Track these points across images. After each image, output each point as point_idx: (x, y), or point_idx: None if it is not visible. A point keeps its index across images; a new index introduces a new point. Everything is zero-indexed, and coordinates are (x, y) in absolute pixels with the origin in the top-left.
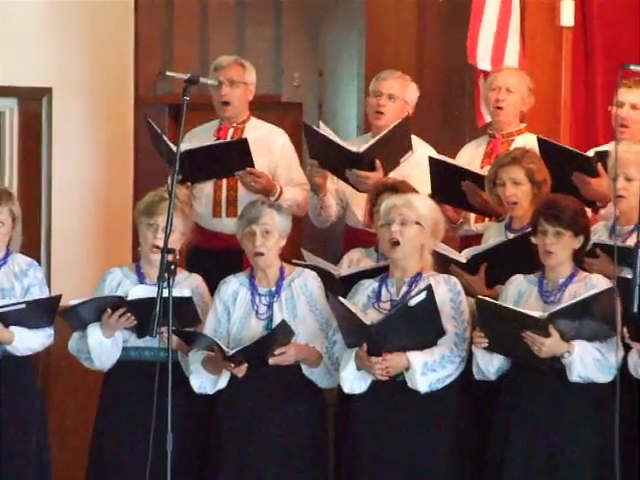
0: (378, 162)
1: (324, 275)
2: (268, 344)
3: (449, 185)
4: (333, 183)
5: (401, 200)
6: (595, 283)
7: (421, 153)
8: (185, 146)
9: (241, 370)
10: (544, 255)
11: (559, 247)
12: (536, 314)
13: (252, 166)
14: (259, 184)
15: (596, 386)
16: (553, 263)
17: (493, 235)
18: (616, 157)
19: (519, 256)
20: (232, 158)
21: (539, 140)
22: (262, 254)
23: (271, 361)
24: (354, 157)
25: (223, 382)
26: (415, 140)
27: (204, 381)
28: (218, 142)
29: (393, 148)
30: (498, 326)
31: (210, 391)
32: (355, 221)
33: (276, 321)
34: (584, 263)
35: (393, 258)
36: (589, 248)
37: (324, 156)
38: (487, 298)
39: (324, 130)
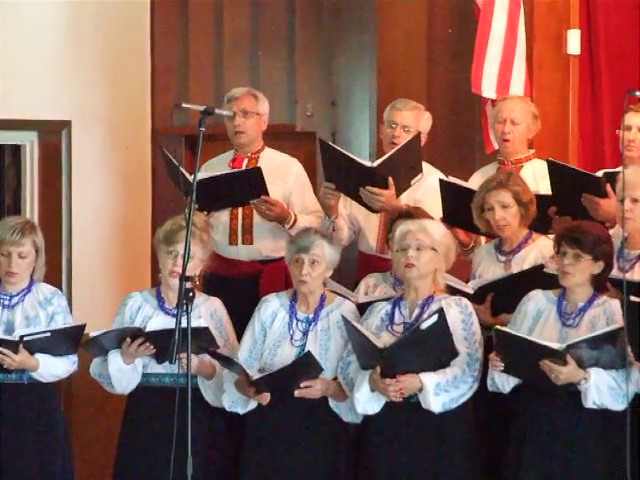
0: (390, 180)
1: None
2: (291, 374)
3: (460, 208)
4: (346, 208)
5: (416, 226)
6: (614, 310)
7: (433, 179)
8: (201, 175)
9: (264, 399)
10: (561, 276)
11: (576, 269)
12: (554, 345)
13: (266, 194)
14: (273, 212)
15: (609, 411)
16: (569, 284)
17: (484, 257)
18: (624, 179)
19: (525, 287)
20: (247, 187)
21: (549, 162)
22: (305, 282)
23: (296, 393)
24: (367, 172)
25: (254, 403)
26: (427, 167)
27: (236, 400)
28: (233, 171)
29: (404, 167)
30: (515, 354)
31: (241, 411)
32: (368, 247)
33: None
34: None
35: (407, 278)
36: None
37: (338, 175)
38: (505, 329)
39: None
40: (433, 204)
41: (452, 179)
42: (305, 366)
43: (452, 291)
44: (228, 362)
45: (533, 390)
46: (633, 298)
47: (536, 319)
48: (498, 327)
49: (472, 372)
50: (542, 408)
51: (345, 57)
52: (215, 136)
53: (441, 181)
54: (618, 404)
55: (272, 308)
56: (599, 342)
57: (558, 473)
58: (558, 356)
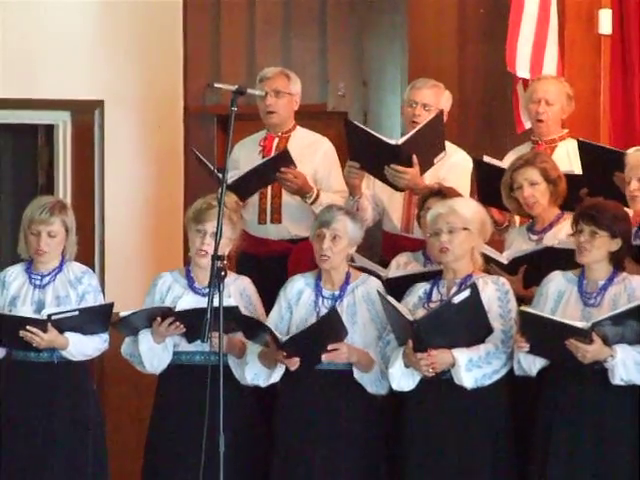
0: (415, 158)
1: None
2: (319, 333)
3: (495, 187)
4: (369, 188)
5: (445, 208)
6: (635, 286)
7: (456, 157)
8: (231, 177)
9: (293, 363)
10: (578, 253)
11: (593, 246)
12: (579, 324)
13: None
14: (295, 183)
15: (638, 387)
16: (586, 261)
17: (516, 238)
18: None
19: (559, 261)
20: (277, 169)
21: (579, 142)
22: (327, 257)
23: (324, 357)
24: (392, 150)
25: (277, 376)
26: (450, 146)
27: (258, 372)
28: (262, 162)
29: (428, 145)
30: (541, 334)
31: (263, 384)
32: (392, 227)
33: None
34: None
35: (444, 262)
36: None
37: (363, 154)
38: (530, 309)
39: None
40: (457, 182)
41: (487, 158)
42: (331, 324)
43: (486, 261)
44: (255, 328)
45: (560, 371)
46: None
47: (558, 300)
48: (523, 308)
49: (506, 349)
50: (569, 388)
51: (376, 37)
52: (247, 116)
53: (475, 161)
54: None
55: (298, 287)
56: (623, 319)
57: (588, 452)
58: (584, 335)
